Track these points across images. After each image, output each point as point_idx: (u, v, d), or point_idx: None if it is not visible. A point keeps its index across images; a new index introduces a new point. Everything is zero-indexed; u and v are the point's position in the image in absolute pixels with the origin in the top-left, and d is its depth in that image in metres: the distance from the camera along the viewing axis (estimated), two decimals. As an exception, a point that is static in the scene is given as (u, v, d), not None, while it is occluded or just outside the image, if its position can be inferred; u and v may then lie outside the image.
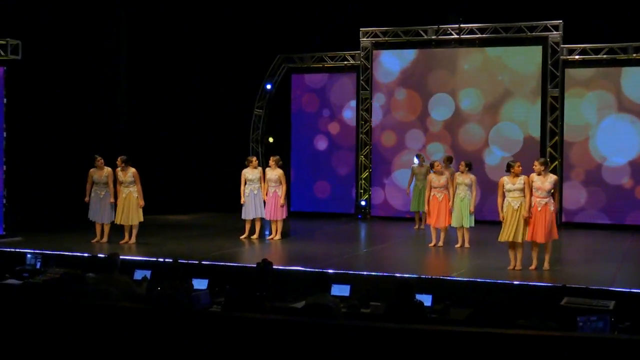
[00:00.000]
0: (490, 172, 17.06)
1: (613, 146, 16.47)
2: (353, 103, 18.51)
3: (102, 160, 13.12)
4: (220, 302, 8.43)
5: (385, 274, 10.01)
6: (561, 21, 16.77)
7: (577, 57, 16.79)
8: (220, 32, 19.07)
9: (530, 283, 9.54)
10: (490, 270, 10.72)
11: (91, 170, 13.19)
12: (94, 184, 13.17)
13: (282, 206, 13.73)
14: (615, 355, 4.77)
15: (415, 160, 16.30)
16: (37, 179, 15.33)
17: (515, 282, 9.56)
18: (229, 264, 10.80)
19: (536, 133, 17.01)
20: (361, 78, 18.35)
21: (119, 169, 13.08)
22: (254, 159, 14.12)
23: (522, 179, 10.78)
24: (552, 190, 10.72)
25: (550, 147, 16.94)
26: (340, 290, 9.12)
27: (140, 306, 7.29)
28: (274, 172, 13.79)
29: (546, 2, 16.83)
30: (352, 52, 18.44)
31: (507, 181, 10.88)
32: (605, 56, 16.55)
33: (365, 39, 18.26)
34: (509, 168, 10.96)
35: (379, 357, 5.09)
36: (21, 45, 13.25)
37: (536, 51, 17.08)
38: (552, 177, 10.79)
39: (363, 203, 18.38)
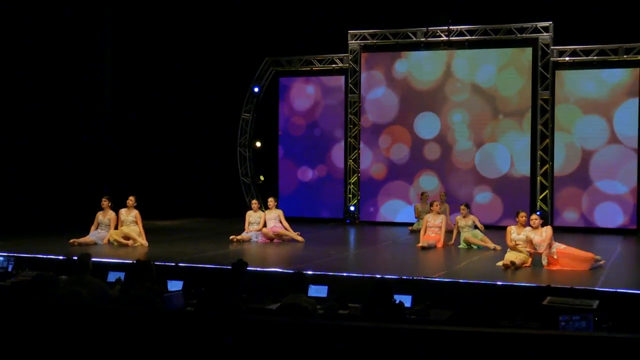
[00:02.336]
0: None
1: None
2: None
3: (107, 202, 13.45)
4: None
5: (364, 275, 9.71)
6: (551, 22, 16.57)
7: (567, 58, 16.58)
8: (207, 35, 18.86)
9: (514, 284, 9.25)
10: (475, 271, 10.46)
11: (98, 212, 13.50)
12: (99, 224, 13.43)
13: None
14: (595, 353, 4.53)
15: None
16: (17, 182, 15.06)
17: (499, 283, 9.26)
18: (204, 265, 10.51)
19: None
20: (349, 81, 18.12)
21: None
22: (256, 203, 14.49)
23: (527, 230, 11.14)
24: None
25: (541, 150, 16.71)
26: (317, 291, 8.84)
27: (107, 307, 7.07)
28: (273, 212, 14.24)
29: (536, 3, 16.63)
30: (341, 55, 18.22)
31: (513, 230, 11.25)
32: (596, 58, 16.33)
33: (353, 41, 18.05)
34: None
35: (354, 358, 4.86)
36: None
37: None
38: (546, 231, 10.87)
39: (352, 208, 18.12)
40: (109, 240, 13.20)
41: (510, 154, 16.92)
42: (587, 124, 16.42)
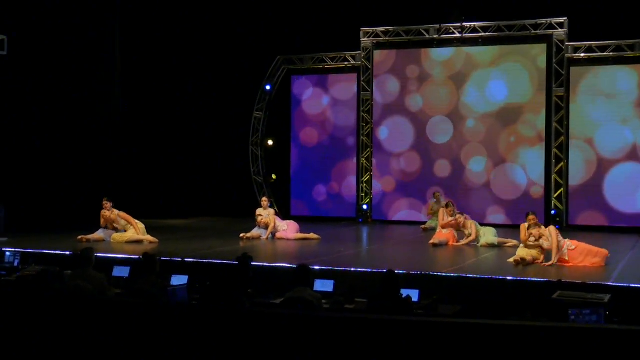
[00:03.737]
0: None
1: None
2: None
3: (109, 204, 13.33)
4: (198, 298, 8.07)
5: (372, 270, 9.55)
6: (566, 18, 16.34)
7: (582, 55, 16.33)
8: (220, 33, 18.77)
9: (525, 279, 9.07)
10: (484, 267, 10.28)
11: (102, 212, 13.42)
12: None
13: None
14: (604, 346, 4.36)
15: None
16: (25, 180, 15.03)
17: (509, 278, 9.07)
18: (210, 260, 10.40)
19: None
20: (362, 79, 17.98)
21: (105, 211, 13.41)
22: (265, 200, 14.75)
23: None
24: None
25: (556, 147, 16.47)
26: (324, 285, 8.69)
27: (109, 299, 6.99)
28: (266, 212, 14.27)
29: (550, -1, 16.44)
30: (353, 53, 18.08)
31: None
32: (611, 54, 16.08)
33: (365, 39, 17.90)
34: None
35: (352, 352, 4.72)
36: (7, 40, 13.00)
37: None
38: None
39: (364, 207, 17.96)
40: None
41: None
42: (604, 130, 16.13)
